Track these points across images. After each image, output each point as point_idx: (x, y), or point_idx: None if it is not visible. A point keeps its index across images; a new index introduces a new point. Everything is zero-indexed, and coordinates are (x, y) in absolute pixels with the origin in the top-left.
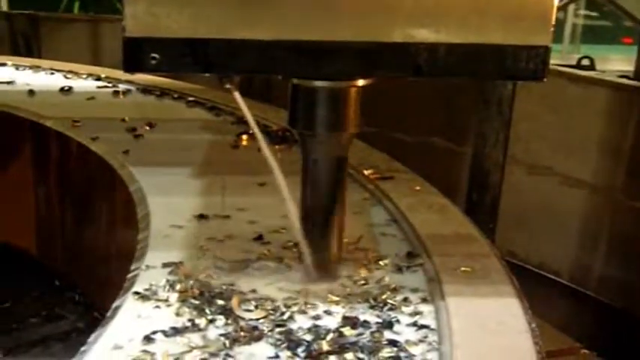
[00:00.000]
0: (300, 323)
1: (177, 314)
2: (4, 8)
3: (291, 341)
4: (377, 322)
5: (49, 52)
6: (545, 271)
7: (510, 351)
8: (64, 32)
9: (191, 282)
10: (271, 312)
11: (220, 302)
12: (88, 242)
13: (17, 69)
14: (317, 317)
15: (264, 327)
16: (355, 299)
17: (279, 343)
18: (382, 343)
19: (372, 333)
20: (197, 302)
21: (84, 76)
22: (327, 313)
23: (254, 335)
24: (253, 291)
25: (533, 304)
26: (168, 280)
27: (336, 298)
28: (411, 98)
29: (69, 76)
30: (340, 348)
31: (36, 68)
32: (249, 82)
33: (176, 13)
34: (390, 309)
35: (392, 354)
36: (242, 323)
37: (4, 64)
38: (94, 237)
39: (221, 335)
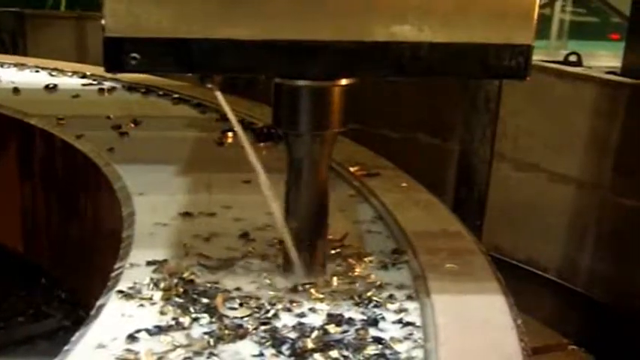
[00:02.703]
0: (285, 321)
1: (162, 313)
2: None
3: (275, 339)
4: (362, 320)
5: (34, 48)
6: (532, 267)
7: (496, 348)
8: (50, 29)
9: (175, 280)
10: (256, 310)
11: (205, 300)
12: (73, 240)
13: (2, 67)
14: (302, 315)
15: (249, 325)
16: (340, 297)
17: (263, 341)
18: (367, 341)
19: (356, 330)
20: (181, 300)
21: (69, 74)
22: (312, 310)
23: (238, 333)
24: (238, 289)
25: (520, 300)
26: (152, 279)
27: (321, 296)
28: (396, 94)
29: (54, 73)
30: (325, 346)
31: (21, 66)
32: (233, 79)
33: (156, 12)
34: (375, 306)
35: (377, 351)
36: (226, 321)
37: None
38: (80, 235)
39: (205, 334)
